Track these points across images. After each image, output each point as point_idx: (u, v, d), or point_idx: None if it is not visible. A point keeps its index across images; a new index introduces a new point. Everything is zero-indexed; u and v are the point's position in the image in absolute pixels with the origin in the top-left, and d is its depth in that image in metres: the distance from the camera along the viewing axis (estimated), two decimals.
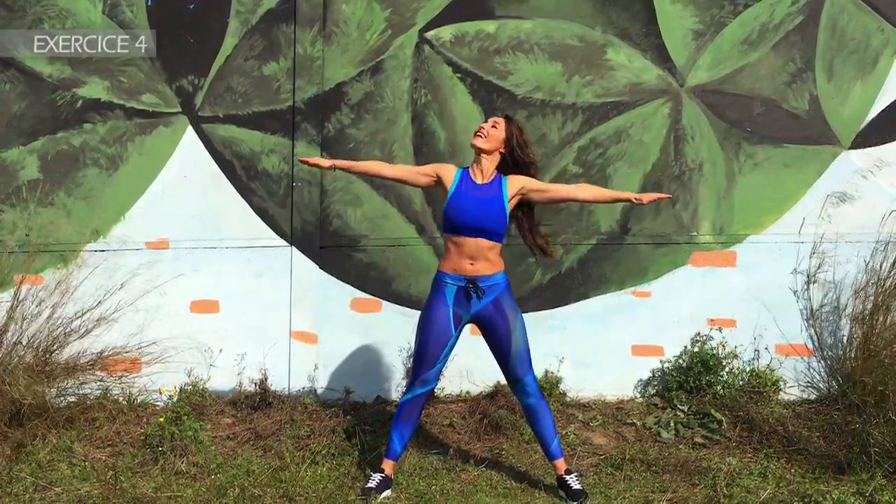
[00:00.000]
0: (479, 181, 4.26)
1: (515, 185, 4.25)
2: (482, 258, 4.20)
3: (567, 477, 4.28)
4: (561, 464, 4.32)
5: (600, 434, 5.00)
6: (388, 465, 4.34)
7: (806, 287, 5.34)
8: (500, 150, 4.27)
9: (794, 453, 4.67)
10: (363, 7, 5.30)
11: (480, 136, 4.24)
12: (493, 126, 4.25)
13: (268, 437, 4.88)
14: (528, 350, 4.29)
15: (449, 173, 4.30)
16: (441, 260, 4.31)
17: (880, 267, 5.16)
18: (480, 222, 4.16)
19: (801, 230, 5.33)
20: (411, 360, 4.39)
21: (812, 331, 5.34)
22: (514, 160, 4.28)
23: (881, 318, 5.00)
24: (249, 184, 5.36)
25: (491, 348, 4.32)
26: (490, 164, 4.27)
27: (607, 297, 5.40)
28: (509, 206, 4.24)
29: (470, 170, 4.31)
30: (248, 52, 5.31)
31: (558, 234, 5.36)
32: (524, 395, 4.29)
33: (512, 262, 5.30)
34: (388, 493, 4.28)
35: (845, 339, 5.19)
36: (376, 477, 4.29)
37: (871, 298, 5.09)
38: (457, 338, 4.31)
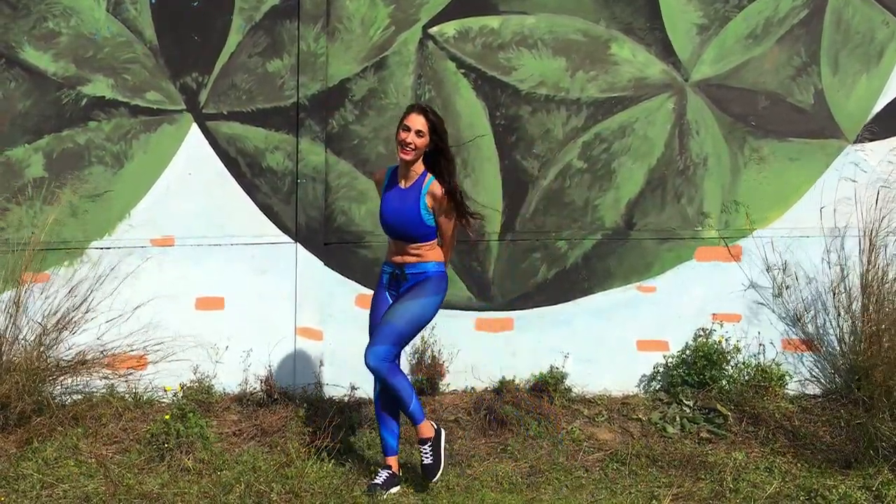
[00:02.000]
0: (402, 186, 4.36)
1: (430, 200, 4.29)
2: (407, 253, 4.34)
3: (423, 447, 4.27)
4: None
5: (606, 429, 4.99)
6: (391, 461, 4.35)
7: (809, 281, 5.32)
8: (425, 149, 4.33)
9: (801, 448, 4.67)
10: (366, 3, 5.30)
11: (408, 150, 4.25)
12: (419, 135, 4.23)
13: (273, 433, 4.88)
14: (396, 331, 4.22)
15: (380, 179, 4.47)
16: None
17: (861, 260, 5.13)
18: (399, 230, 4.33)
19: (805, 224, 5.31)
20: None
21: (815, 325, 5.32)
22: (436, 150, 4.31)
23: (875, 311, 4.97)
24: (254, 181, 5.37)
25: None
26: (415, 166, 4.33)
27: (612, 292, 5.39)
28: (428, 212, 4.30)
29: (399, 170, 4.40)
30: (252, 49, 5.31)
31: (562, 229, 5.36)
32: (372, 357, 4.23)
33: (516, 258, 5.31)
34: (396, 489, 4.29)
35: (846, 333, 5.17)
36: (383, 473, 4.30)
37: (860, 292, 5.07)
38: None
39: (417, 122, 4.23)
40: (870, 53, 5.35)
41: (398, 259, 4.37)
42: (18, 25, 5.25)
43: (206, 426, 4.81)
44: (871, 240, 5.16)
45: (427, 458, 4.25)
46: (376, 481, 4.27)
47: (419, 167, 4.33)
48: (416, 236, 4.31)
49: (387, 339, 4.24)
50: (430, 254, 4.36)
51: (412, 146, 4.24)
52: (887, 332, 4.85)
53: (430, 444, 4.26)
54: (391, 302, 4.36)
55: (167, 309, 5.32)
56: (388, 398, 4.31)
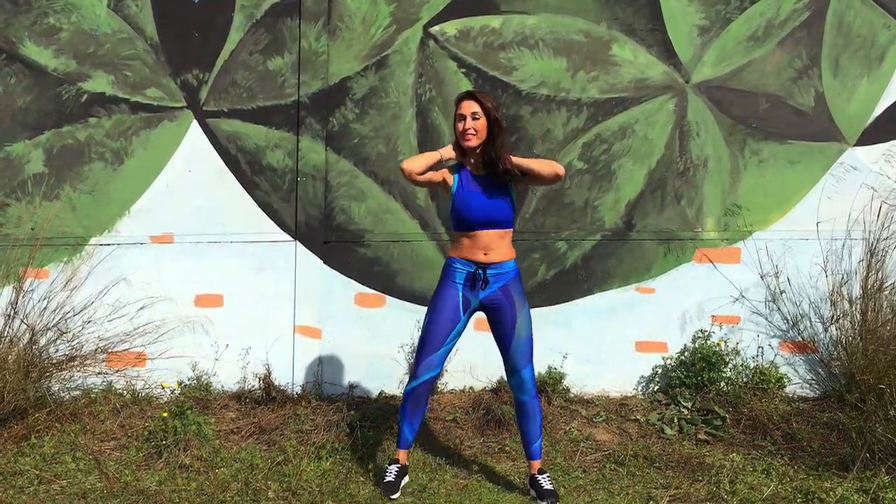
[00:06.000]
0: (478, 172, 4.23)
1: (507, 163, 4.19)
2: (496, 247, 4.20)
3: (540, 477, 4.26)
4: (537, 464, 4.31)
5: (604, 430, 5.00)
6: (401, 455, 4.34)
7: (807, 284, 5.33)
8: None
9: (798, 450, 4.67)
10: (368, 2, 5.30)
11: (470, 136, 4.15)
12: (475, 117, 4.14)
13: (271, 431, 4.88)
14: (531, 342, 4.22)
15: (450, 174, 4.28)
16: (452, 249, 4.28)
17: (860, 263, 5.12)
18: (490, 215, 4.16)
19: (804, 227, 5.32)
20: (416, 347, 4.35)
21: (814, 328, 5.32)
22: (493, 132, 4.18)
23: (872, 316, 4.97)
24: (254, 178, 5.37)
25: (495, 336, 4.26)
26: (480, 151, 4.21)
27: (611, 293, 5.40)
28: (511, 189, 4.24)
29: (466, 163, 4.26)
30: (253, 46, 5.31)
31: (562, 230, 5.36)
32: (519, 390, 4.23)
33: (516, 258, 5.30)
34: (405, 479, 4.32)
35: (845, 336, 5.17)
36: (392, 469, 4.30)
37: (861, 295, 5.06)
38: (465, 324, 4.26)
39: (470, 106, 4.13)
40: (871, 56, 5.35)
41: (483, 258, 4.18)
42: (19, 21, 5.24)
43: (205, 424, 4.81)
44: (869, 245, 5.16)
45: (547, 484, 4.24)
46: (389, 479, 4.25)
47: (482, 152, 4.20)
48: (506, 220, 4.20)
49: (529, 359, 4.22)
50: (511, 249, 4.26)
51: (472, 130, 4.13)
52: (879, 338, 4.85)
53: (546, 473, 4.29)
54: (461, 303, 4.20)
55: (166, 306, 5.32)
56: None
